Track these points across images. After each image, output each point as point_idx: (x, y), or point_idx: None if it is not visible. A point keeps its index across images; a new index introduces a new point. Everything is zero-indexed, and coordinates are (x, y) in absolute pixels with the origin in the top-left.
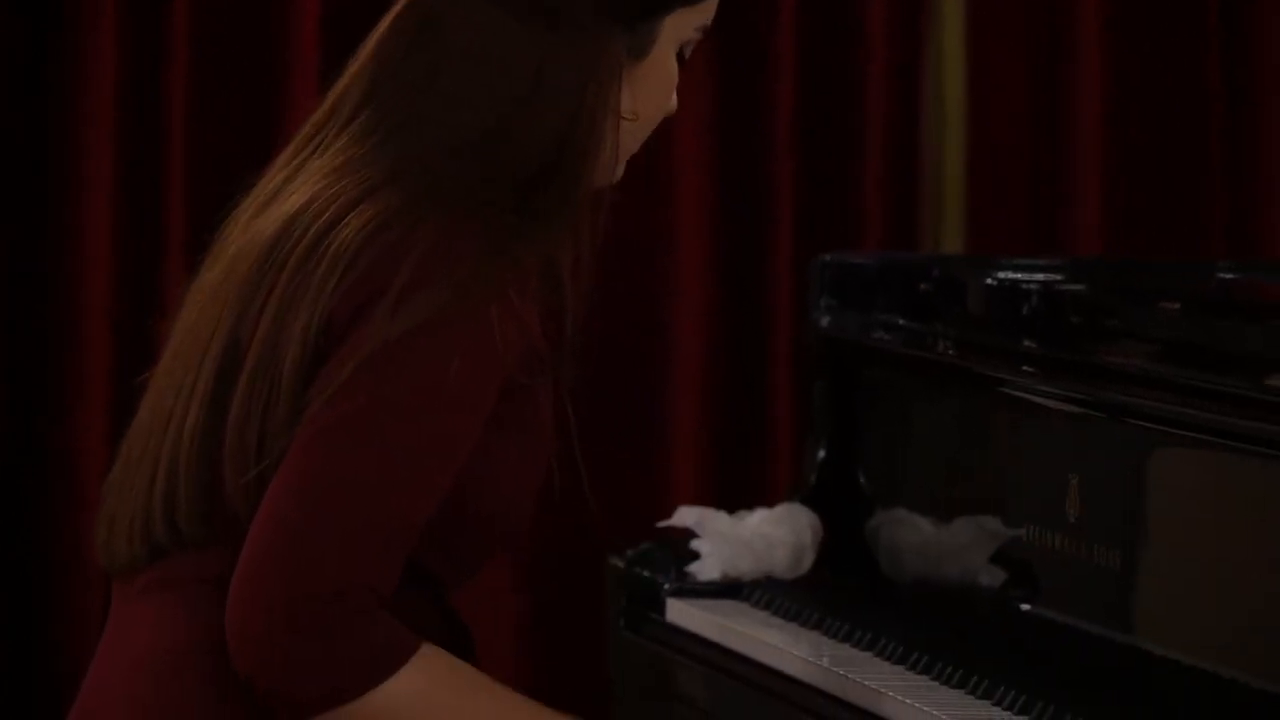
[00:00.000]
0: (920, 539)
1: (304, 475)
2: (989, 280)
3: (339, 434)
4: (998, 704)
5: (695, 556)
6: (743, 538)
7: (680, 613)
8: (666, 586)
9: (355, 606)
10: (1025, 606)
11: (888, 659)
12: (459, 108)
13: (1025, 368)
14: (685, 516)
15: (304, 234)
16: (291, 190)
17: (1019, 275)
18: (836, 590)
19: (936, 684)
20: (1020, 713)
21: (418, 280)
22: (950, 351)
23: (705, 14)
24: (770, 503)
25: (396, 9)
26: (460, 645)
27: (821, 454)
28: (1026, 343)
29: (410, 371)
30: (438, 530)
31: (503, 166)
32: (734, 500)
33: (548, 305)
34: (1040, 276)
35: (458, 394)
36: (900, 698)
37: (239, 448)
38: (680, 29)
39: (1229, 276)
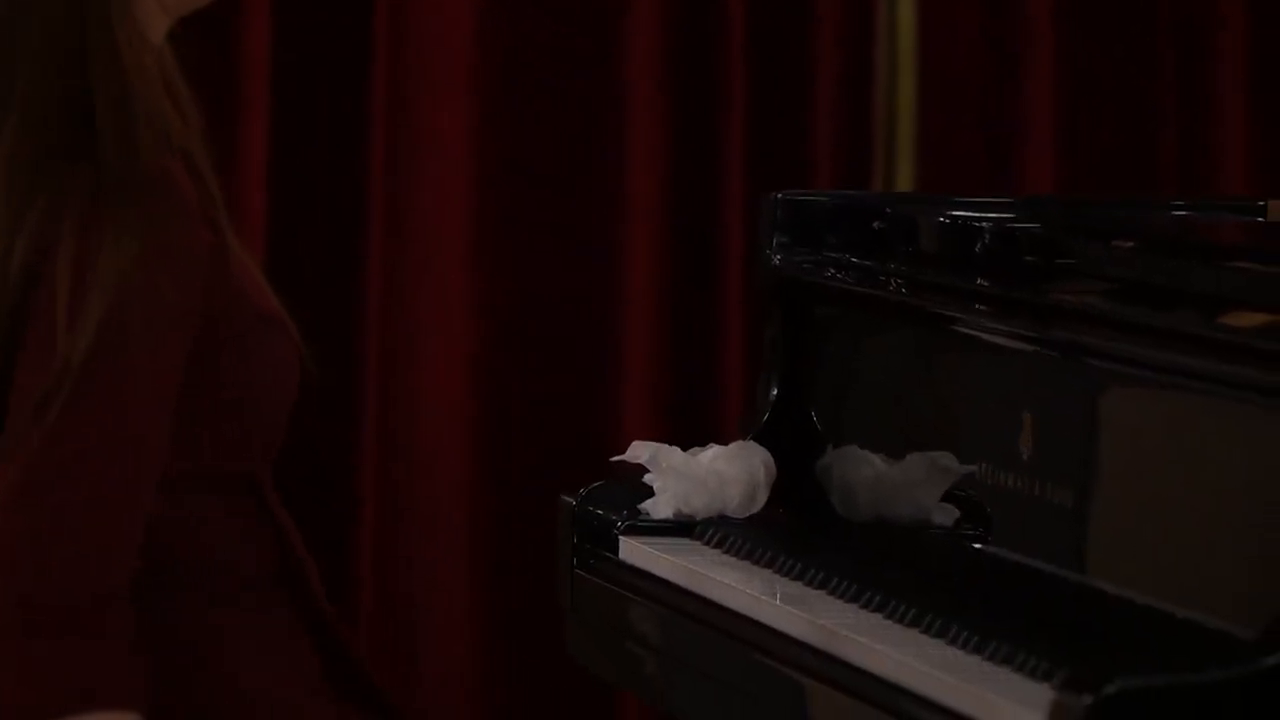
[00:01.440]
0: (873, 477)
1: (31, 467)
2: (942, 218)
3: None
4: (951, 642)
5: (648, 493)
6: (696, 475)
7: (633, 551)
8: (619, 525)
9: (92, 623)
10: (978, 545)
11: (841, 597)
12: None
13: (978, 305)
14: (639, 451)
15: None
16: None
17: (972, 213)
18: (789, 528)
19: (890, 622)
20: (973, 651)
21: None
22: (903, 289)
23: None
24: (723, 440)
25: None
26: (283, 541)
27: (774, 392)
28: (979, 281)
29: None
30: (212, 428)
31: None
32: (687, 437)
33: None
34: (993, 214)
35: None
36: (853, 635)
37: None
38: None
39: (1183, 214)
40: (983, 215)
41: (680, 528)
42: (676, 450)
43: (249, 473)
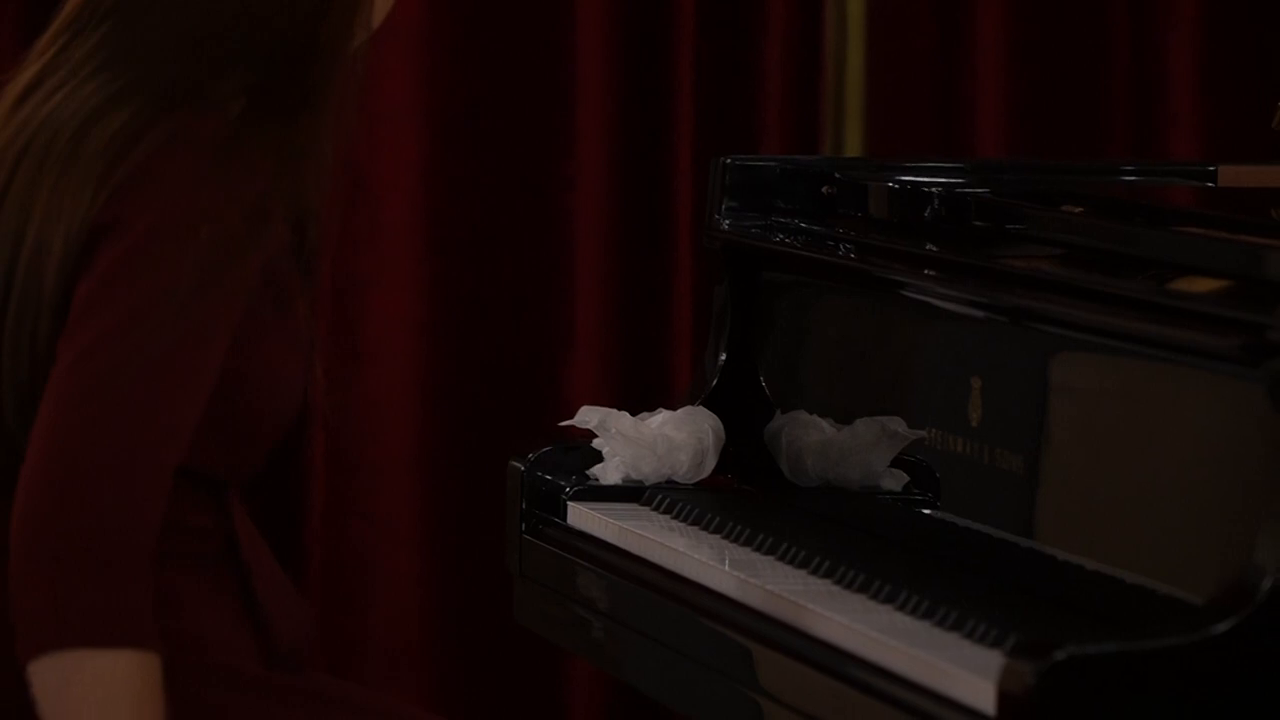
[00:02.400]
0: (822, 442)
1: (70, 406)
2: (891, 183)
3: (98, 356)
4: (900, 608)
5: (597, 458)
6: (645, 440)
7: (581, 516)
8: (567, 490)
9: (123, 561)
10: (927, 510)
11: (789, 563)
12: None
13: (927, 270)
14: (588, 417)
15: (54, 141)
16: (49, 84)
17: (921, 178)
18: (738, 494)
19: (838, 588)
20: (923, 617)
21: (163, 192)
22: (852, 254)
23: None
24: (672, 405)
25: None
26: (243, 546)
27: (723, 357)
28: (929, 245)
29: (155, 279)
30: (209, 430)
31: (245, 57)
32: (635, 402)
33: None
34: (942, 179)
35: (204, 297)
36: (802, 602)
37: (12, 372)
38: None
39: (1134, 179)
40: (932, 180)
41: (629, 493)
42: (625, 415)
43: (221, 481)
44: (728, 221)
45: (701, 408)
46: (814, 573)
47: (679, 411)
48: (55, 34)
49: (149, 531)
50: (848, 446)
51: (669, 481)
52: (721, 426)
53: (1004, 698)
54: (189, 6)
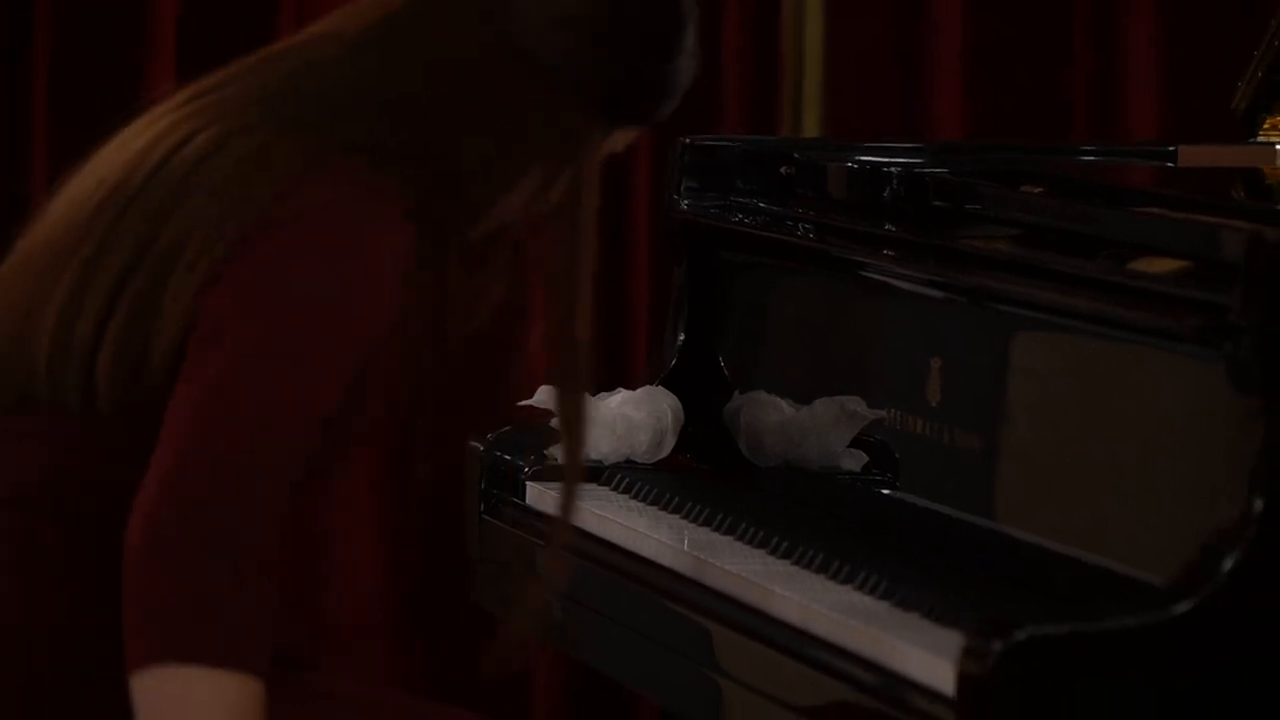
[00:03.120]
0: (781, 422)
1: (205, 418)
2: (850, 163)
3: (231, 379)
4: (859, 588)
5: (555, 437)
6: (604, 420)
7: (540, 496)
8: (526, 470)
9: (242, 582)
10: (887, 490)
11: (748, 543)
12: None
13: (886, 251)
14: (547, 396)
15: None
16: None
17: (880, 159)
18: (697, 474)
19: (797, 568)
20: (882, 597)
21: (312, 213)
22: (811, 234)
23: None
24: (631, 385)
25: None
26: None
27: (681, 337)
28: (888, 226)
29: (300, 302)
30: None
31: (430, 160)
32: (594, 382)
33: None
34: (901, 160)
35: (348, 326)
36: (760, 582)
37: (124, 339)
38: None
39: (1093, 160)
40: (891, 161)
41: (588, 473)
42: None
43: None
44: (686, 202)
45: (660, 388)
46: (773, 553)
47: (638, 391)
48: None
49: (268, 554)
50: (807, 426)
51: (628, 461)
52: (680, 406)
53: (963, 678)
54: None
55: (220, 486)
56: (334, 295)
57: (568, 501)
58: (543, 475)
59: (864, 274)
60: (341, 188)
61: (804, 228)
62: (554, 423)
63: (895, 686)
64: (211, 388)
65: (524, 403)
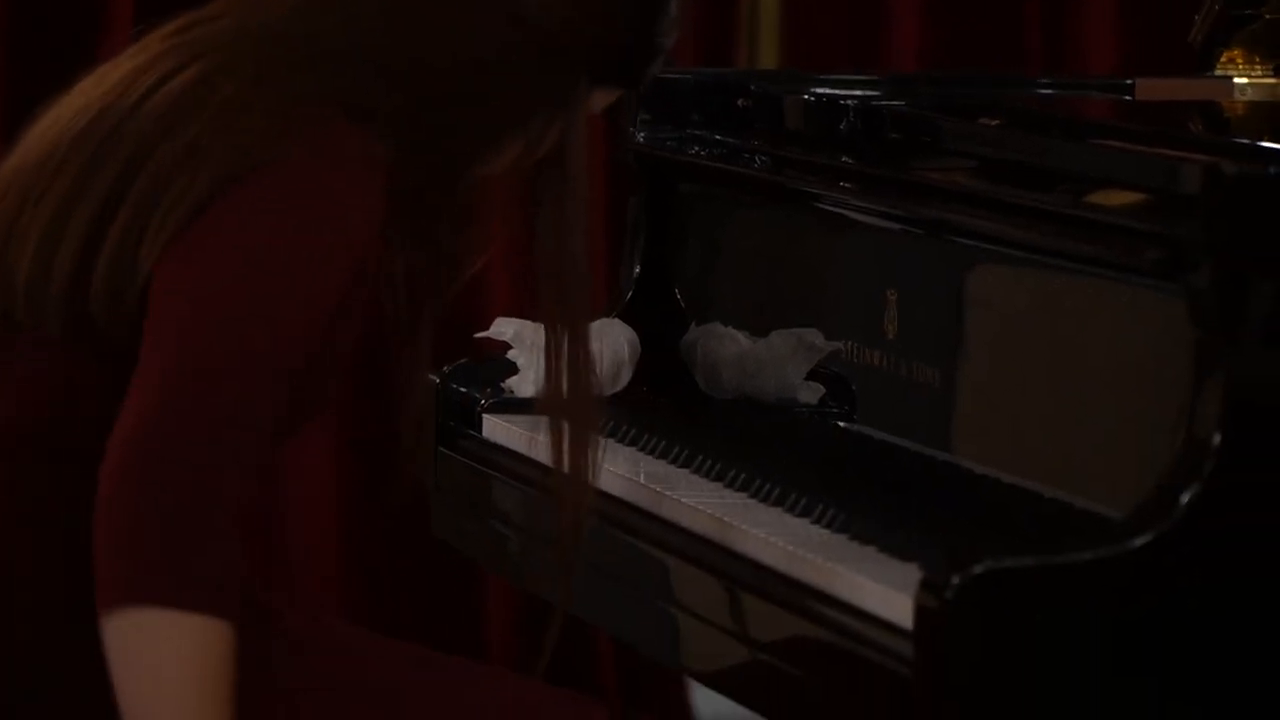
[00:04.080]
0: (738, 354)
1: (183, 351)
2: (807, 96)
3: (207, 316)
4: (815, 521)
5: (513, 370)
6: None
7: (496, 428)
8: (482, 402)
9: (217, 525)
10: (843, 423)
11: (705, 476)
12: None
13: (842, 184)
14: (503, 328)
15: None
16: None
17: (837, 91)
18: (653, 406)
19: (754, 501)
20: (838, 530)
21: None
22: (767, 167)
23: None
24: None
25: None
26: None
27: (638, 269)
28: (844, 158)
29: (271, 257)
30: None
31: (416, 100)
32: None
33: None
34: (858, 92)
35: (318, 282)
36: (717, 515)
37: (104, 274)
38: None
39: (1050, 93)
40: (848, 93)
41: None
42: (540, 327)
43: None
44: (642, 134)
45: (617, 320)
46: (729, 486)
47: (594, 324)
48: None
49: (246, 498)
50: (763, 359)
51: None
52: (637, 339)
53: (921, 611)
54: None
55: (197, 435)
56: (304, 251)
57: (578, 453)
58: (500, 408)
59: (820, 206)
60: (318, 143)
61: (760, 160)
62: (511, 354)
63: (853, 620)
64: (185, 336)
65: (480, 334)
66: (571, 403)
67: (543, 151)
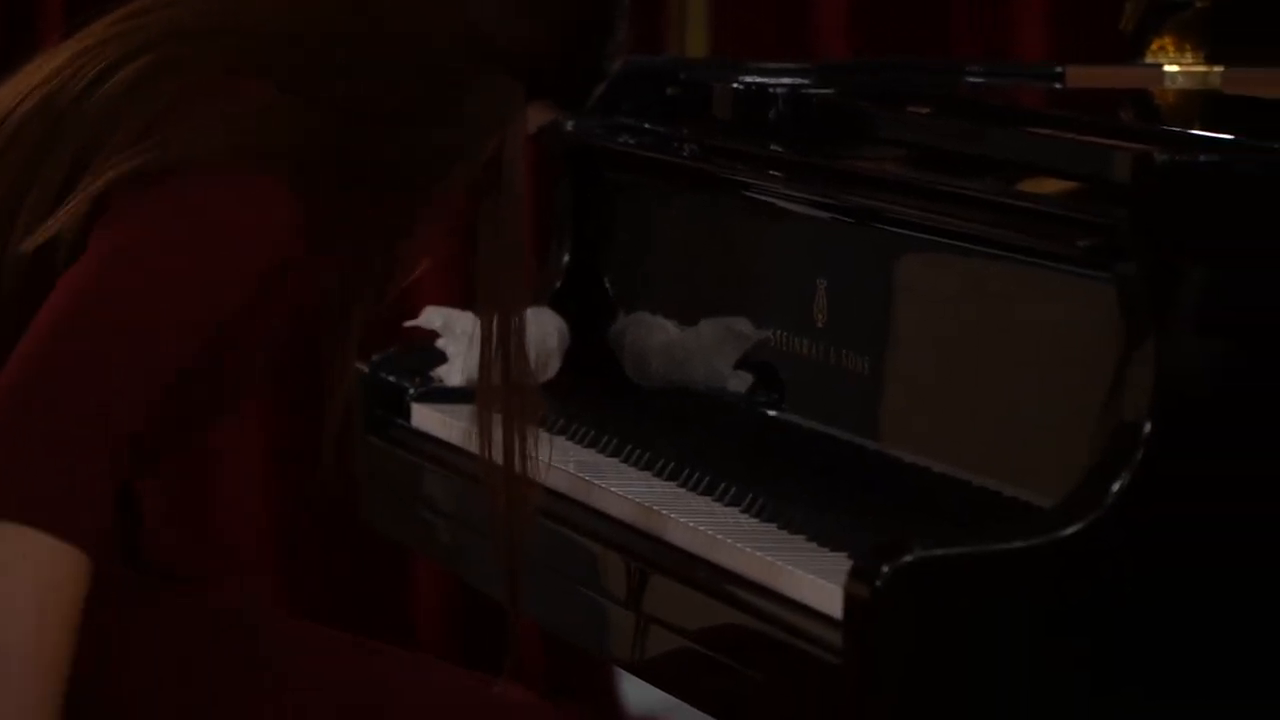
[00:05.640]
0: (667, 343)
1: (77, 297)
2: (735, 84)
3: (113, 264)
4: (745, 510)
5: (441, 359)
6: None
7: (425, 417)
8: (411, 391)
9: (92, 453)
10: (772, 412)
11: (634, 465)
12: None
13: (771, 172)
14: (431, 317)
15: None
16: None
17: (766, 79)
18: (582, 395)
19: (683, 490)
20: (767, 519)
21: (207, 171)
22: (696, 155)
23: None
24: None
25: None
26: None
27: (566, 258)
28: (773, 146)
29: (190, 212)
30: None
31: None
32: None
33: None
34: (787, 80)
35: (231, 246)
36: (646, 503)
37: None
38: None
39: (980, 80)
40: (776, 81)
41: (473, 394)
42: (469, 316)
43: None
44: (571, 123)
45: (545, 309)
46: (658, 475)
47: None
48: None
49: (125, 432)
50: (692, 348)
51: None
52: (566, 327)
53: (850, 600)
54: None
55: (85, 366)
56: (192, 269)
57: (518, 448)
58: (429, 397)
59: (749, 195)
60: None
61: (689, 148)
62: (440, 343)
63: (782, 609)
64: (56, 329)
65: (409, 323)
66: (508, 393)
67: (479, 165)
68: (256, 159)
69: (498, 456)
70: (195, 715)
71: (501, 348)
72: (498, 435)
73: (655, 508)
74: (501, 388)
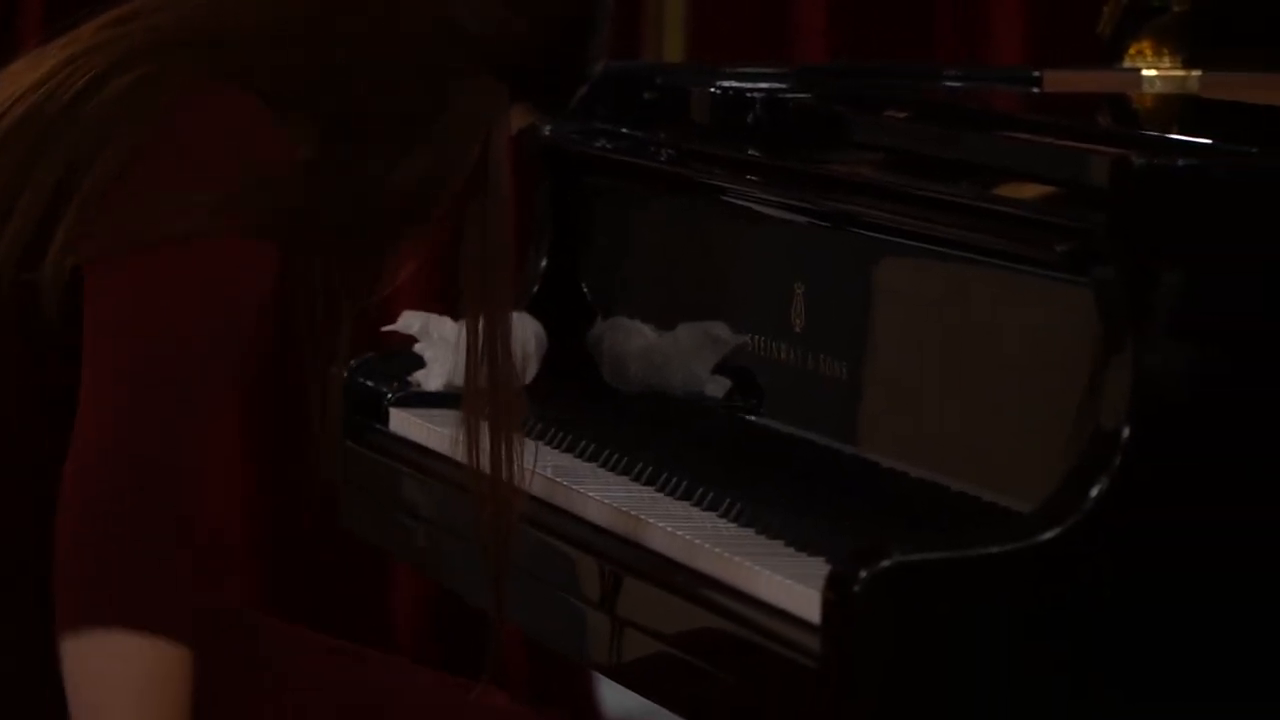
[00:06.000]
0: (644, 348)
1: (128, 399)
2: (713, 88)
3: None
4: (723, 515)
5: (419, 363)
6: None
7: (403, 422)
8: (389, 396)
9: (176, 550)
10: (751, 417)
11: (612, 470)
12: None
13: (749, 176)
14: (410, 322)
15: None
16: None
17: (743, 83)
18: (560, 400)
19: (661, 495)
20: (745, 524)
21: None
22: (673, 160)
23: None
24: None
25: None
26: None
27: (544, 262)
28: (751, 151)
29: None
30: None
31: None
32: (458, 308)
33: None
34: (765, 84)
35: (234, 294)
36: (624, 508)
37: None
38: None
39: (957, 85)
40: (754, 86)
41: (451, 399)
42: (447, 320)
43: None
44: (548, 127)
45: (524, 313)
46: (636, 480)
47: None
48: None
49: (203, 523)
50: (670, 352)
51: None
52: (543, 332)
53: (828, 605)
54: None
55: (156, 462)
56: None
57: (503, 454)
58: (407, 401)
59: (727, 199)
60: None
61: (667, 153)
62: (418, 347)
63: (760, 614)
64: (118, 405)
65: (387, 328)
66: (494, 398)
67: (462, 169)
68: (239, 227)
69: (484, 463)
70: (195, 715)
71: (488, 351)
72: (484, 442)
73: (633, 512)
74: (487, 391)
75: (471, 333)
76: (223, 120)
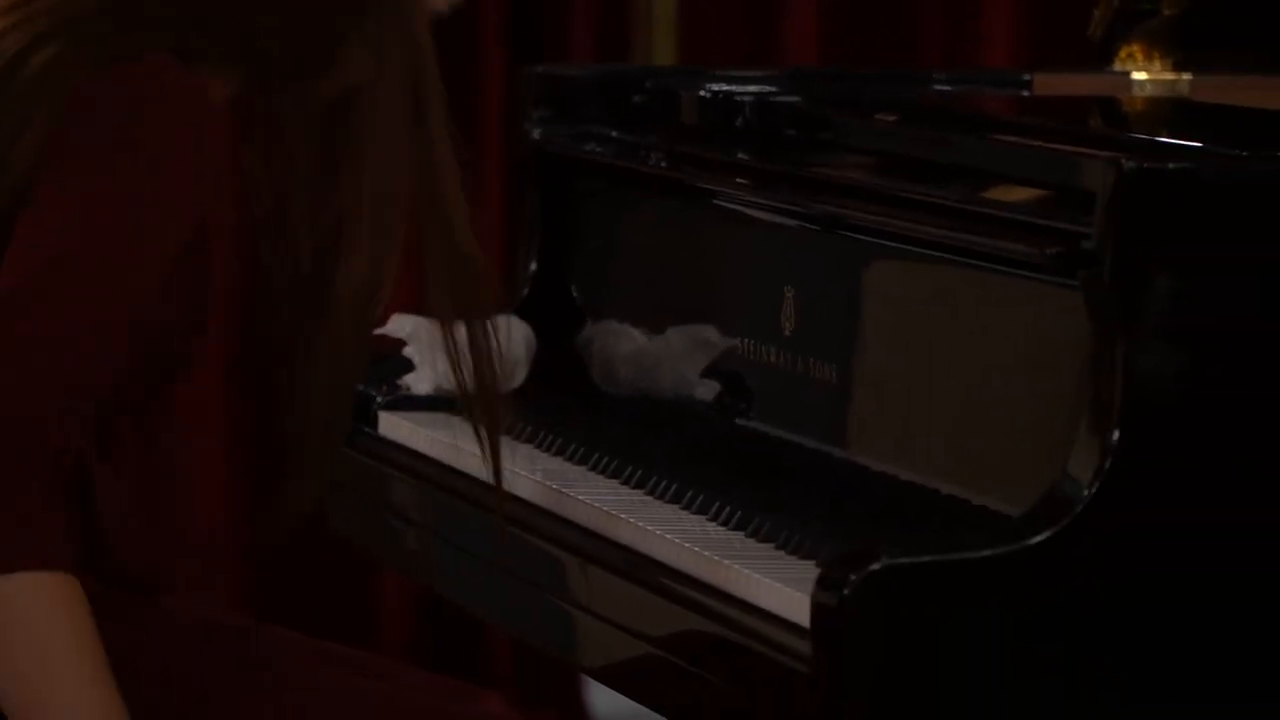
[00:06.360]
0: (634, 351)
1: (26, 276)
2: (703, 92)
3: (55, 262)
4: (713, 519)
5: (409, 367)
6: None
7: (392, 426)
8: (379, 399)
9: (36, 482)
10: (741, 420)
11: (601, 473)
12: None
13: (739, 179)
14: (399, 325)
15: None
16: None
17: (733, 86)
18: (550, 404)
19: (650, 498)
20: (735, 527)
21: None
22: (663, 163)
23: None
24: None
25: None
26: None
27: (534, 266)
28: (740, 154)
29: (116, 200)
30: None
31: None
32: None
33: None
34: (754, 88)
35: (165, 222)
36: (614, 512)
37: None
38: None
39: (948, 88)
40: (744, 89)
41: (441, 402)
42: (437, 324)
43: None
44: (538, 131)
45: (513, 317)
46: (626, 483)
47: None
48: None
49: (69, 452)
50: (660, 356)
51: None
52: (533, 335)
53: (818, 608)
54: None
55: (32, 395)
56: (138, 209)
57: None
58: (396, 405)
59: (717, 203)
60: (153, 88)
61: (656, 156)
62: (407, 351)
63: (750, 618)
64: (21, 292)
65: (377, 331)
66: (478, 401)
67: (393, 68)
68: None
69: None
70: (195, 715)
71: (464, 357)
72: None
73: (623, 516)
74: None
75: (446, 334)
76: (147, 86)
